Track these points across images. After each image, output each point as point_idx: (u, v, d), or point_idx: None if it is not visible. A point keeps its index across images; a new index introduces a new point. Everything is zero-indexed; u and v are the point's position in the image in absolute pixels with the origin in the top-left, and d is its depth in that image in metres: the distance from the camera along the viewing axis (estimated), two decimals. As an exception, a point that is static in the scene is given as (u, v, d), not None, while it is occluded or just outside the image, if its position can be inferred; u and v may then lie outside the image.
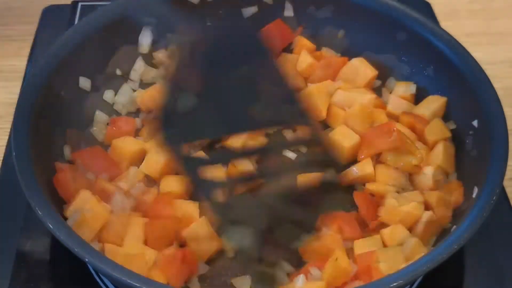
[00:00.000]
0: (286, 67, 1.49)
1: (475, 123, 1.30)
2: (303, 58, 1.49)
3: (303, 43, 1.53)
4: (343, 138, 1.35)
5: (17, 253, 1.25)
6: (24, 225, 1.29)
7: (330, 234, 1.19)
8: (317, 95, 1.40)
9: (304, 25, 1.56)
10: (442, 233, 1.24)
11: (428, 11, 1.80)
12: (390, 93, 1.48)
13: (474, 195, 1.18)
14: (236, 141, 1.33)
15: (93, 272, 1.22)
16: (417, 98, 1.45)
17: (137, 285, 0.98)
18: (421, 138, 1.37)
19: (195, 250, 1.18)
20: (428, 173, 1.29)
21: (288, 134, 1.42)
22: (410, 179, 1.32)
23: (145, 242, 1.18)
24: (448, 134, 1.36)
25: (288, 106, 1.14)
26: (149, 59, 1.51)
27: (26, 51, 1.70)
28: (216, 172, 1.22)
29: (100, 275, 1.21)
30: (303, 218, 1.11)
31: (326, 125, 1.43)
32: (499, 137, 1.21)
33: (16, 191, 1.35)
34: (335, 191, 1.16)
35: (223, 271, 1.21)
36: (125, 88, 1.47)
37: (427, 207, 1.25)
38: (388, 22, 1.45)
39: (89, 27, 1.39)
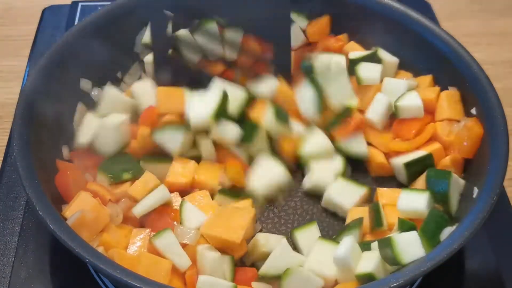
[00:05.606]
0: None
1: (475, 123, 1.30)
2: (303, 58, 1.49)
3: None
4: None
5: (17, 253, 1.25)
6: (24, 225, 1.29)
7: None
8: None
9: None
10: (442, 233, 1.24)
11: (428, 11, 1.80)
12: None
13: (474, 196, 1.18)
14: None
15: (93, 272, 1.22)
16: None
17: (137, 285, 0.98)
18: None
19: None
20: (440, 129, 1.32)
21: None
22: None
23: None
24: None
25: None
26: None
27: (26, 51, 1.70)
28: None
29: (101, 275, 1.22)
30: None
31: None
32: (499, 138, 1.21)
33: (16, 191, 1.36)
34: None
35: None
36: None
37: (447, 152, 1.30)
38: (389, 22, 1.45)
39: (89, 27, 1.39)
